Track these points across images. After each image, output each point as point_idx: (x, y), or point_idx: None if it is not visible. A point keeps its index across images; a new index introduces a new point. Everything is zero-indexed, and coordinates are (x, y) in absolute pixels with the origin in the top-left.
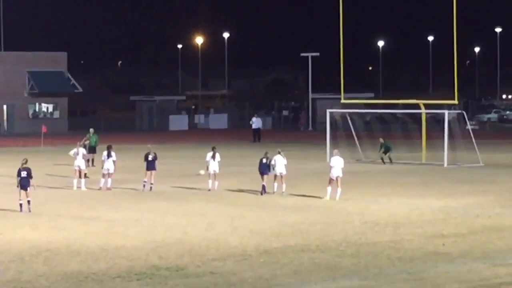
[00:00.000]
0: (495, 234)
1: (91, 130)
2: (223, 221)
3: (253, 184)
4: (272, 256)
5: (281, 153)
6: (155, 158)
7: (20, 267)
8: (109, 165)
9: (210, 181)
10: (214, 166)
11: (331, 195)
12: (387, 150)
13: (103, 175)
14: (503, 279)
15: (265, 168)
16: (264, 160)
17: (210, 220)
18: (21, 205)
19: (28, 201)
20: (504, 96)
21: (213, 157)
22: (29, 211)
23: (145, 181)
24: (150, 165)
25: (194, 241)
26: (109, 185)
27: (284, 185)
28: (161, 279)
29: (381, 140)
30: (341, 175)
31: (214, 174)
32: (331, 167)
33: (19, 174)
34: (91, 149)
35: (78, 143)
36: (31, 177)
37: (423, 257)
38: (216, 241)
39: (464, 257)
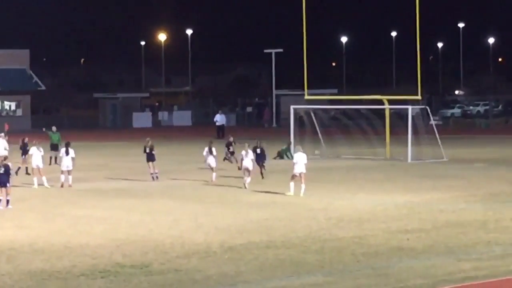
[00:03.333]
0: (459, 229)
1: (54, 128)
2: (187, 218)
3: (217, 181)
4: (237, 253)
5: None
6: (152, 149)
7: None
8: (67, 162)
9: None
10: (212, 160)
11: (295, 191)
12: (282, 155)
13: (62, 172)
14: (467, 273)
15: (261, 158)
16: (258, 151)
17: (175, 217)
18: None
19: (7, 200)
20: (456, 92)
21: (211, 151)
22: (5, 207)
23: (151, 173)
24: (150, 157)
25: (159, 238)
26: (70, 182)
27: (249, 179)
28: (125, 277)
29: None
30: (304, 171)
31: (212, 168)
32: (294, 163)
33: None
34: (54, 147)
35: (33, 141)
36: (8, 174)
37: (387, 252)
38: (180, 238)
39: (428, 252)
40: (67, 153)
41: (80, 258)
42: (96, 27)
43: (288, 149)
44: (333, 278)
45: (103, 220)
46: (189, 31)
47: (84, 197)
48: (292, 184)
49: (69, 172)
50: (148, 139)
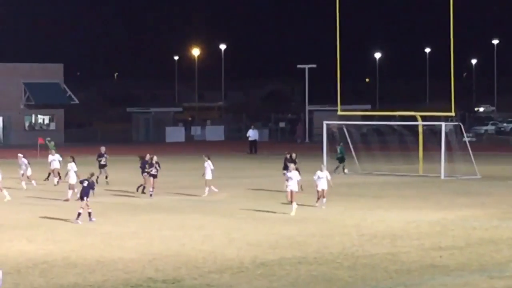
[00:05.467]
0: (492, 246)
1: (53, 142)
2: (219, 234)
3: (250, 196)
4: (269, 269)
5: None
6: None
7: (16, 280)
8: (72, 175)
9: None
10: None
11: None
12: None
13: (70, 187)
14: None
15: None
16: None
17: (207, 233)
18: (79, 214)
19: (89, 213)
20: (476, 109)
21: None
22: (90, 220)
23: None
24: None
25: (191, 253)
26: (69, 196)
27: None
28: None
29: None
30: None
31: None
32: (289, 178)
33: (81, 182)
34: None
35: None
36: (93, 189)
37: (420, 269)
38: (213, 253)
39: (461, 269)
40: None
41: (112, 273)
42: (129, 42)
43: (342, 148)
44: None
45: (136, 235)
46: (222, 46)
47: (117, 211)
48: (295, 203)
49: (71, 186)
50: (148, 155)
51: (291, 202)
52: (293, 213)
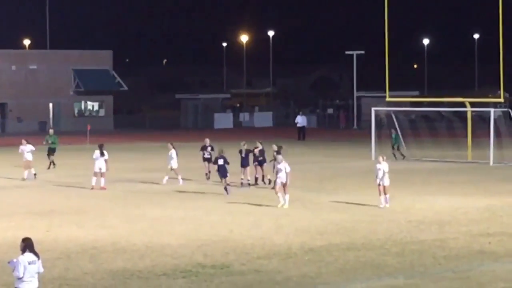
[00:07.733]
0: None
1: (51, 130)
2: (268, 220)
3: (297, 183)
4: (317, 254)
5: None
6: (247, 153)
7: (66, 265)
8: (101, 163)
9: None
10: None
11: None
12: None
13: (95, 174)
14: None
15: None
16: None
17: (255, 218)
18: (225, 188)
19: (225, 188)
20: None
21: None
22: (227, 193)
23: (242, 179)
24: (244, 162)
25: (239, 239)
26: (102, 184)
27: (387, 196)
28: (206, 277)
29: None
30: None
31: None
32: (280, 169)
33: (215, 162)
34: (51, 151)
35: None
36: (227, 164)
37: (469, 255)
38: (261, 239)
39: (510, 256)
40: (101, 154)
41: (161, 258)
42: (178, 28)
43: (397, 137)
44: (414, 280)
45: (184, 221)
46: (270, 33)
47: (165, 197)
48: (280, 194)
49: (102, 174)
50: (243, 142)
51: (277, 193)
52: (286, 206)
